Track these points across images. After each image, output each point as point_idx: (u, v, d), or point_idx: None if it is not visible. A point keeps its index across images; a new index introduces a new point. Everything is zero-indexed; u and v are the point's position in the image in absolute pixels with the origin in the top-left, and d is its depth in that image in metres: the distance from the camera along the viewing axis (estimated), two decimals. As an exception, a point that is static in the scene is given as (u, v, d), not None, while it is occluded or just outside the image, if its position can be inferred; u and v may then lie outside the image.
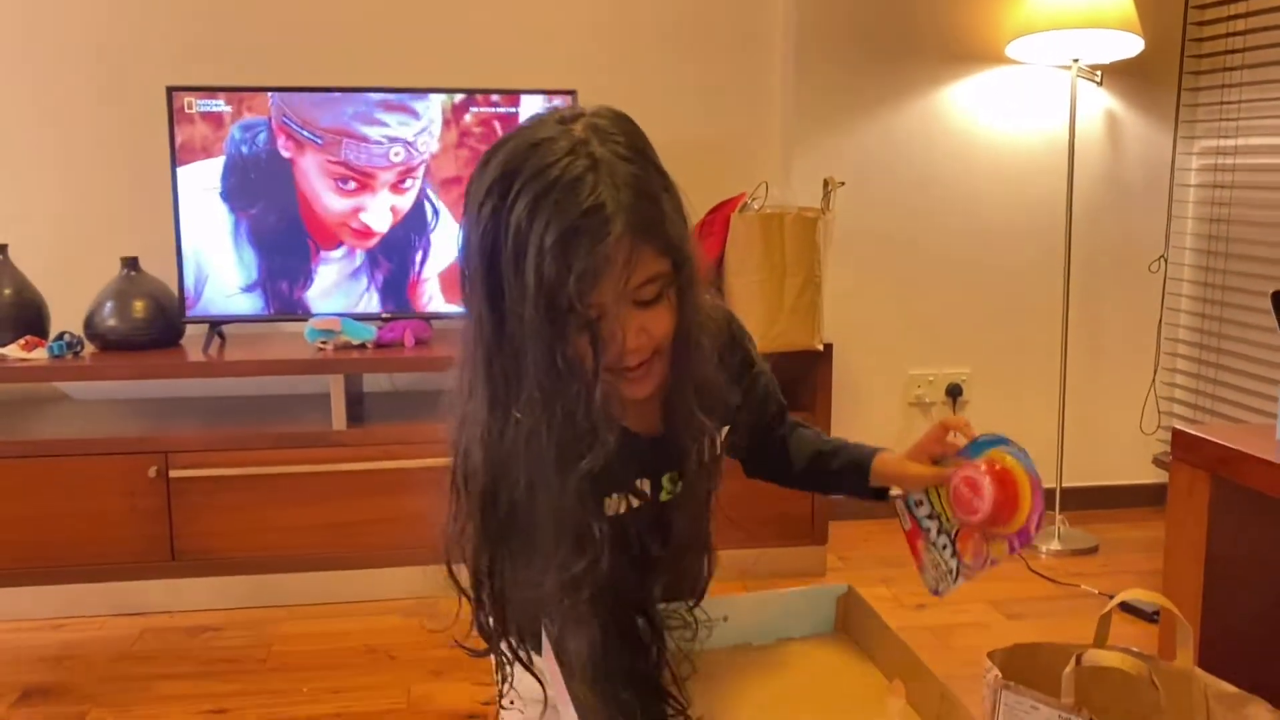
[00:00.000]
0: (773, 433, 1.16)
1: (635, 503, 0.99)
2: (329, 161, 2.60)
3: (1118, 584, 2.62)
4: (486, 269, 0.85)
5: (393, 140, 2.62)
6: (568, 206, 0.80)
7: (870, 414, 3.11)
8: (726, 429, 1.05)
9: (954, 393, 3.13)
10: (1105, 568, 2.79)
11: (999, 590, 2.62)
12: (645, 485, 0.99)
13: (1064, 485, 2.98)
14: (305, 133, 2.58)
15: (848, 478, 1.10)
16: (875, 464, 1.08)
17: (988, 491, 0.90)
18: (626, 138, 0.87)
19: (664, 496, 1.00)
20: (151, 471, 2.41)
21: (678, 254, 0.88)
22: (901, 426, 3.14)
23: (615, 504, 0.98)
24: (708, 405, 0.97)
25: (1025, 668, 1.04)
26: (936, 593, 0.96)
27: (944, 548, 0.96)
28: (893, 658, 0.87)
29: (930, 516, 0.98)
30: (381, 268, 2.67)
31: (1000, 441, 0.95)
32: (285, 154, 2.59)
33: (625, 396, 0.92)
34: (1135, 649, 1.06)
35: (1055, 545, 2.89)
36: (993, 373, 3.15)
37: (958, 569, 0.94)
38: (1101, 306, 3.16)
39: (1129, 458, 3.23)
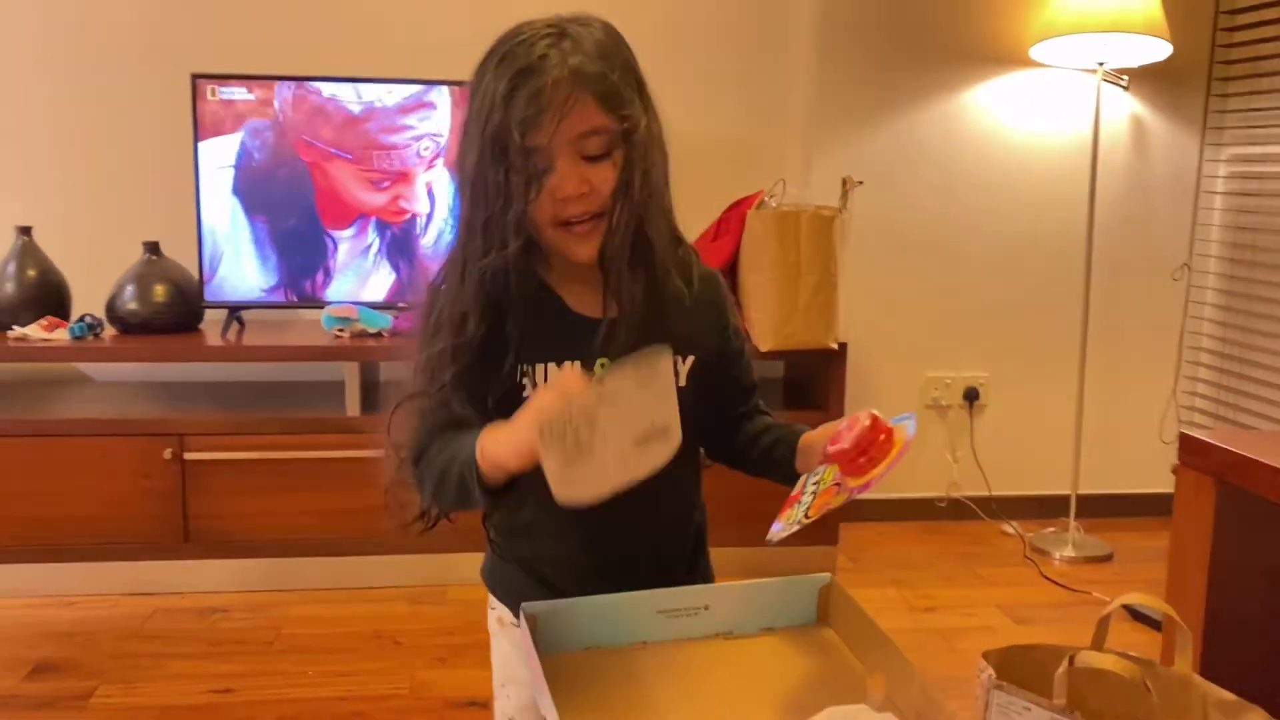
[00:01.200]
0: (734, 406, 1.14)
1: None
2: (362, 170, 2.63)
3: (1129, 591, 2.59)
4: (463, 133, 0.96)
5: (418, 138, 2.64)
6: (521, 57, 0.91)
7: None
8: (691, 359, 1.05)
9: (971, 396, 3.11)
10: (1119, 576, 2.76)
11: (1009, 595, 2.60)
12: (575, 366, 1.00)
13: (1080, 492, 2.96)
14: (334, 150, 2.61)
15: (786, 464, 1.07)
16: (800, 444, 1.06)
17: (860, 426, 0.91)
18: (605, 29, 0.97)
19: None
20: (167, 453, 2.43)
21: (621, 112, 0.95)
22: (917, 430, 3.12)
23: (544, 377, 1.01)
24: (661, 306, 1.01)
25: (1021, 669, 1.03)
26: (768, 539, 0.92)
27: (804, 505, 0.92)
28: (874, 651, 0.87)
29: (814, 483, 0.95)
30: (402, 250, 2.69)
31: (906, 418, 0.95)
32: (305, 160, 2.62)
33: (569, 254, 0.98)
34: (1133, 654, 1.05)
35: (1069, 552, 2.87)
36: (1011, 377, 3.13)
37: (801, 518, 0.90)
38: (1123, 313, 3.13)
39: (1147, 466, 3.20)
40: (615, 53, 0.97)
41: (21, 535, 2.44)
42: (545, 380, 1.01)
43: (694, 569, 1.14)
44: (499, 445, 0.88)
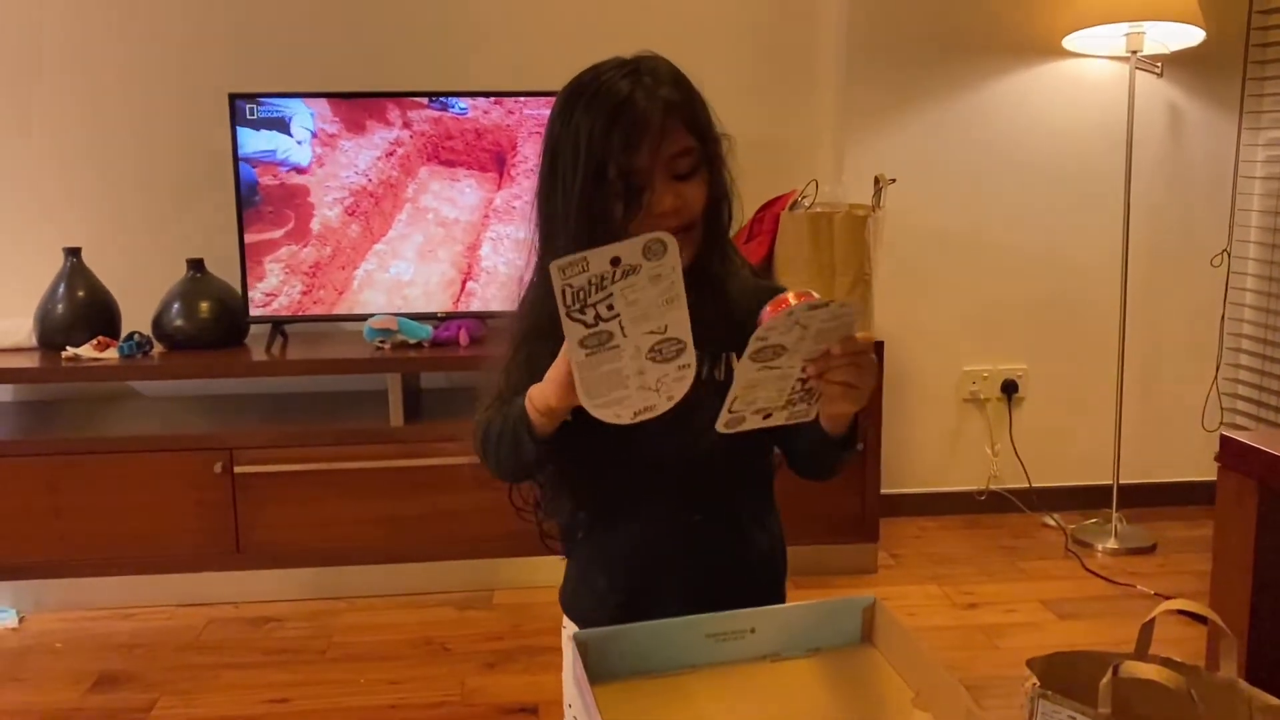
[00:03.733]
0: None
1: None
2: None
3: (1174, 585, 2.58)
4: (550, 167, 1.06)
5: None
6: (611, 97, 1.02)
7: (923, 411, 3.10)
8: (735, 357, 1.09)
9: (1009, 389, 3.11)
10: (1163, 568, 2.75)
11: (1052, 589, 2.60)
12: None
13: (1121, 482, 2.94)
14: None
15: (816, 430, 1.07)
16: None
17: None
18: (670, 66, 1.08)
19: None
20: (217, 467, 2.49)
21: (705, 135, 1.06)
22: (955, 424, 3.13)
23: None
24: (728, 311, 1.08)
25: (1065, 676, 1.04)
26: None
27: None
28: (919, 672, 0.89)
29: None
30: (448, 265, 2.73)
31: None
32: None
33: None
34: (1178, 659, 1.06)
35: (1111, 543, 2.86)
36: (1050, 369, 3.12)
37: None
38: (1162, 301, 3.11)
39: (1190, 455, 3.18)
40: (688, 82, 1.08)
41: (80, 549, 2.50)
42: None
43: (770, 601, 1.17)
44: (542, 385, 0.99)
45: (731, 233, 1.17)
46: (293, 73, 2.82)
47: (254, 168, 2.64)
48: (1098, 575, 2.68)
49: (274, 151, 2.64)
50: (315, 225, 2.67)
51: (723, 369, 1.11)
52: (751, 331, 0.95)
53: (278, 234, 2.66)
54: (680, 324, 0.88)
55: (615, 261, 0.83)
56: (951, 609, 2.52)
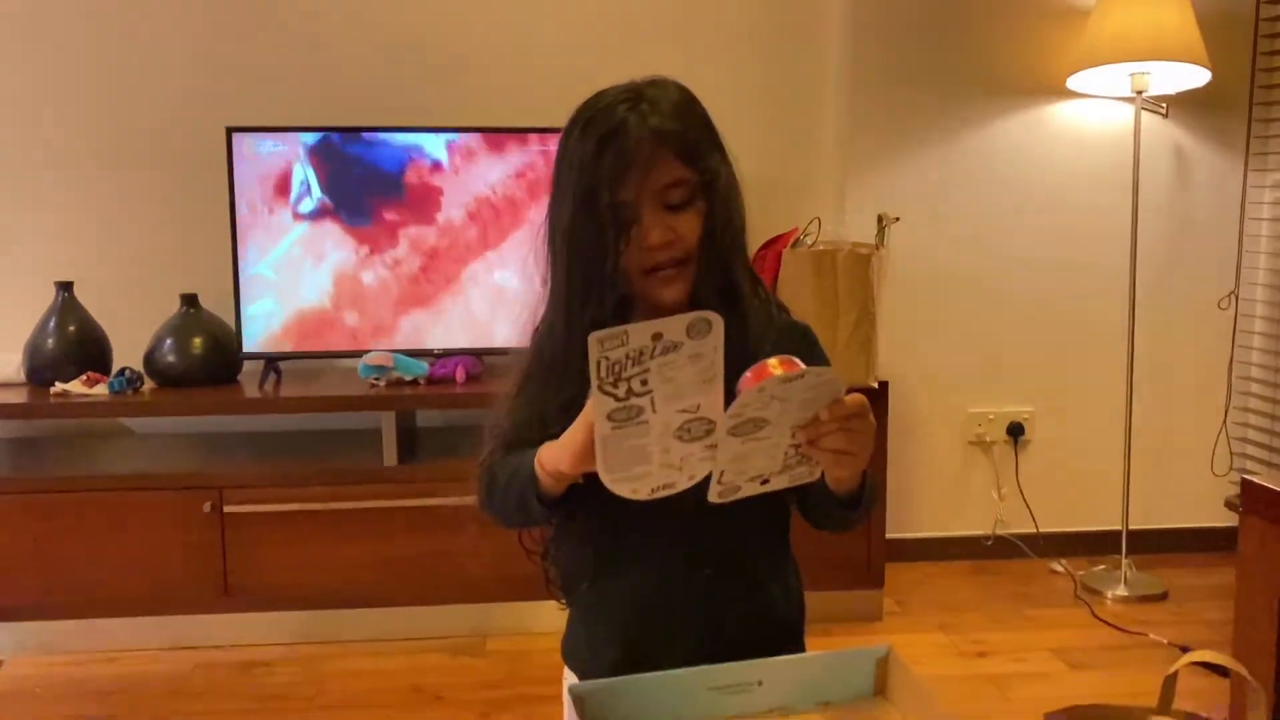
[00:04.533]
0: None
1: None
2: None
3: (1188, 633, 2.51)
4: (554, 193, 1.05)
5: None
6: (605, 122, 1.00)
7: (928, 454, 3.04)
8: None
9: (1015, 432, 3.05)
10: (1175, 616, 2.68)
11: (1062, 638, 2.53)
12: None
13: (1131, 527, 2.88)
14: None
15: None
16: None
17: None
18: (678, 87, 1.05)
19: None
20: (206, 506, 2.43)
21: (700, 164, 1.02)
22: (961, 467, 3.07)
23: None
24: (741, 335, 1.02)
25: (1086, 733, 0.98)
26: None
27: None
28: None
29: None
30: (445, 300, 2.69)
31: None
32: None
33: (657, 299, 1.04)
34: (1202, 714, 1.00)
35: (1122, 591, 2.79)
36: (1056, 411, 3.07)
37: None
38: (1169, 344, 3.06)
39: (1199, 500, 3.12)
40: (690, 110, 1.05)
41: (63, 591, 2.44)
42: None
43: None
44: (554, 448, 0.96)
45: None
46: (290, 106, 2.80)
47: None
48: (1108, 624, 2.61)
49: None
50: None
51: None
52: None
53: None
54: (714, 405, 0.84)
55: (657, 337, 0.80)
56: (959, 658, 2.44)
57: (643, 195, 1.00)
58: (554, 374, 1.05)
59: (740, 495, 0.89)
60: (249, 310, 2.64)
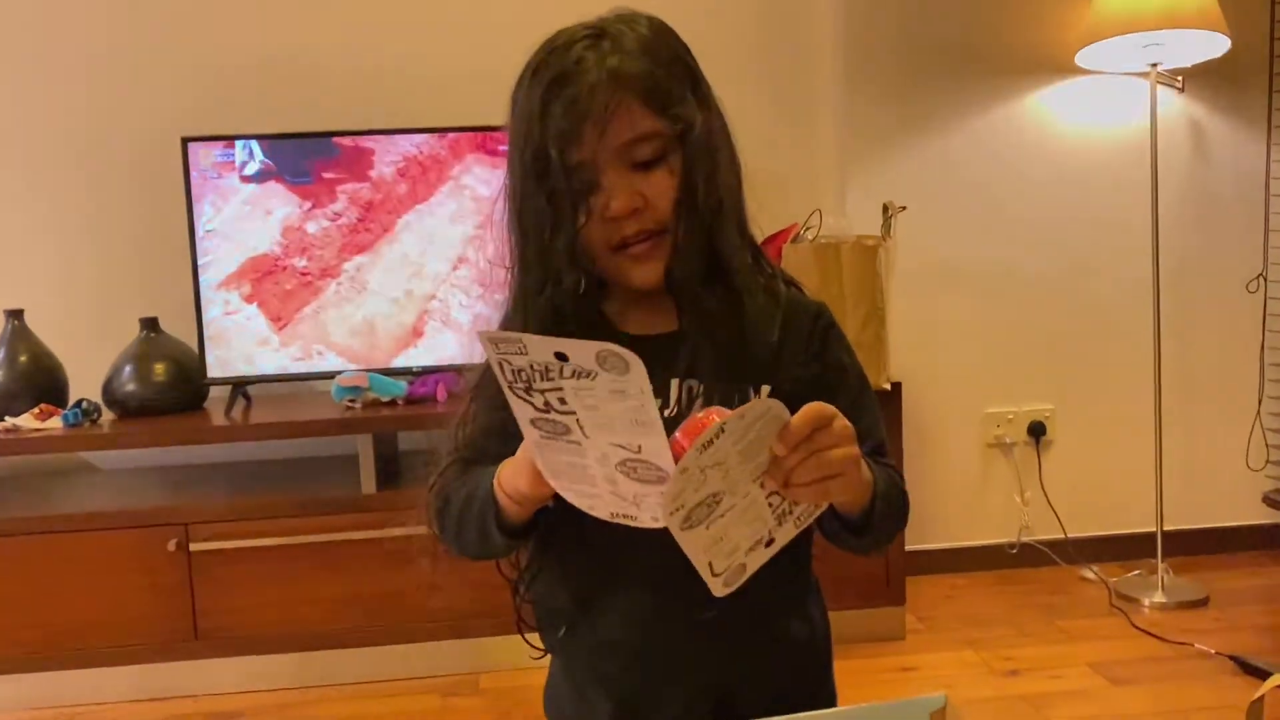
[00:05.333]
0: None
1: None
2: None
3: (1236, 641, 2.33)
4: (507, 156, 0.88)
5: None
6: (555, 64, 0.82)
7: (945, 457, 2.86)
8: (767, 389, 0.88)
9: (1037, 431, 2.87)
10: (1219, 622, 2.49)
11: (1100, 651, 2.34)
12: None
13: (1165, 529, 2.69)
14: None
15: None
16: None
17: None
18: (651, 22, 0.87)
19: (662, 410, 0.83)
20: (171, 545, 2.25)
21: (675, 115, 0.84)
22: (980, 471, 2.89)
23: None
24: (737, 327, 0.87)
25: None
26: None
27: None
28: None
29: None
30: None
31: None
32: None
33: (627, 280, 0.88)
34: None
35: (1159, 597, 2.60)
36: (1079, 408, 2.89)
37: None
38: (1196, 331, 2.89)
39: (1236, 497, 2.94)
40: (661, 47, 0.86)
41: (15, 642, 2.25)
42: None
43: (816, 696, 0.95)
44: (512, 464, 0.80)
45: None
46: (246, 113, 2.64)
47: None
48: (1148, 633, 2.42)
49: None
50: (278, 277, 2.47)
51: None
52: (775, 364, 0.83)
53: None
54: (660, 453, 0.66)
55: (561, 356, 0.64)
56: (991, 677, 2.26)
57: (602, 153, 0.82)
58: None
59: (749, 573, 0.73)
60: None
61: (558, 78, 0.81)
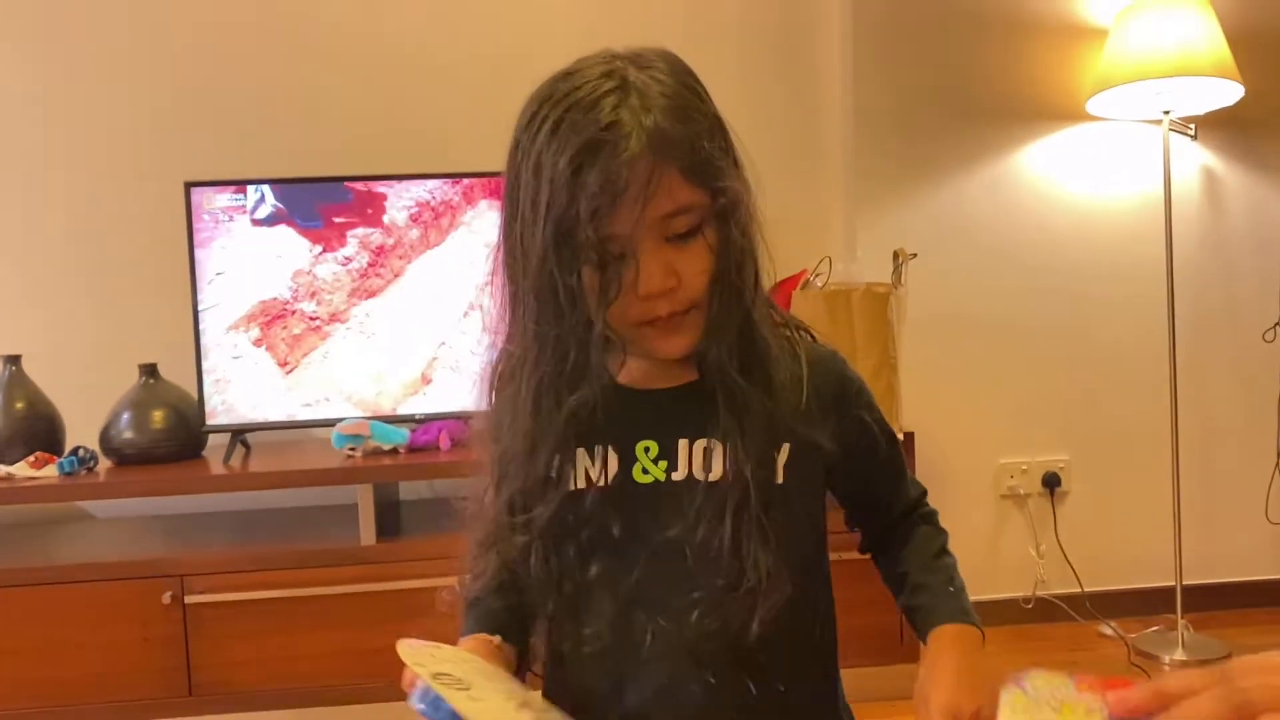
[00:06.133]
0: (879, 508, 0.99)
1: (612, 478, 0.84)
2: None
3: (1263, 701, 2.25)
4: (512, 204, 0.80)
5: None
6: (584, 125, 0.74)
7: (959, 508, 2.80)
8: (787, 447, 0.84)
9: (1051, 483, 2.81)
10: (1243, 681, 2.41)
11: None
12: (649, 451, 0.84)
13: (1185, 584, 2.62)
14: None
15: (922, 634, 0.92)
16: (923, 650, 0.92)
17: None
18: (669, 65, 0.80)
19: (668, 474, 0.83)
20: (166, 597, 2.19)
21: (714, 184, 0.78)
22: (994, 522, 2.83)
23: (592, 467, 0.84)
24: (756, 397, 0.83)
25: None
26: None
27: None
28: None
29: None
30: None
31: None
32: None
33: (653, 352, 0.83)
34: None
35: (1180, 654, 2.53)
36: (1095, 459, 2.83)
37: None
38: (1213, 381, 2.84)
39: (1256, 550, 2.87)
40: (690, 100, 0.79)
41: (4, 698, 2.18)
42: (591, 469, 0.83)
43: None
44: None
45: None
46: (256, 157, 2.63)
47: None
48: (1171, 693, 2.35)
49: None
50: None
51: (780, 470, 0.84)
52: (797, 424, 0.82)
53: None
54: None
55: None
56: (1009, 739, 2.18)
57: (639, 228, 0.75)
58: (518, 473, 0.84)
59: None
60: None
61: (592, 142, 0.74)
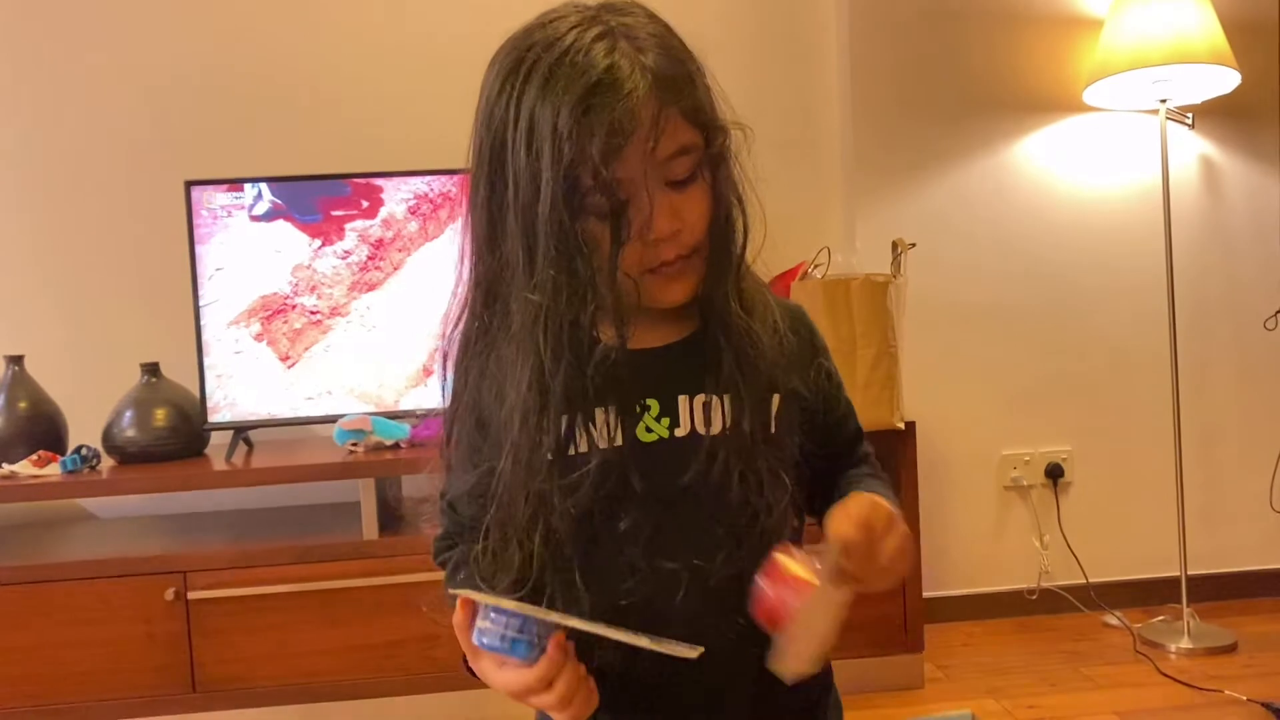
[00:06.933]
0: (833, 461, 0.94)
1: (617, 438, 0.82)
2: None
3: (1269, 688, 2.24)
4: (496, 165, 0.78)
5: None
6: (582, 73, 0.73)
7: (961, 500, 2.80)
8: (777, 398, 0.85)
9: (1054, 473, 2.81)
10: (1249, 669, 2.41)
11: (1127, 699, 2.26)
12: (650, 409, 0.84)
13: (1189, 573, 2.62)
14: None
15: None
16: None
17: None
18: (645, 12, 0.80)
19: (670, 431, 0.84)
20: (169, 593, 2.19)
21: (709, 123, 0.78)
22: (997, 514, 2.82)
23: (596, 430, 0.82)
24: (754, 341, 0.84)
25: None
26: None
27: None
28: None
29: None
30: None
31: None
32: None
33: (658, 299, 0.82)
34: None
35: (1186, 643, 2.52)
36: (1097, 449, 2.83)
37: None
38: (1213, 369, 2.83)
39: (1261, 539, 2.86)
40: (679, 45, 0.80)
41: (7, 695, 2.19)
42: (595, 431, 0.82)
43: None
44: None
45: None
46: (255, 154, 2.64)
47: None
48: (1177, 680, 2.34)
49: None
50: (281, 320, 2.44)
51: (774, 419, 0.85)
52: (781, 373, 0.83)
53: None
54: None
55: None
56: (1015, 727, 2.18)
57: (648, 170, 0.75)
58: (488, 422, 0.84)
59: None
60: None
61: (594, 88, 0.72)
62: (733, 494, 0.81)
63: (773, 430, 0.85)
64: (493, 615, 0.74)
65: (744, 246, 0.84)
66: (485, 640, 0.75)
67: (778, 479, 0.82)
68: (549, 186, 0.74)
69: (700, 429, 0.83)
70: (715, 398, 0.83)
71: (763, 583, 0.73)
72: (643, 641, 0.73)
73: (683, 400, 0.83)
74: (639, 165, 0.75)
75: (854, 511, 0.72)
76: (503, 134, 0.77)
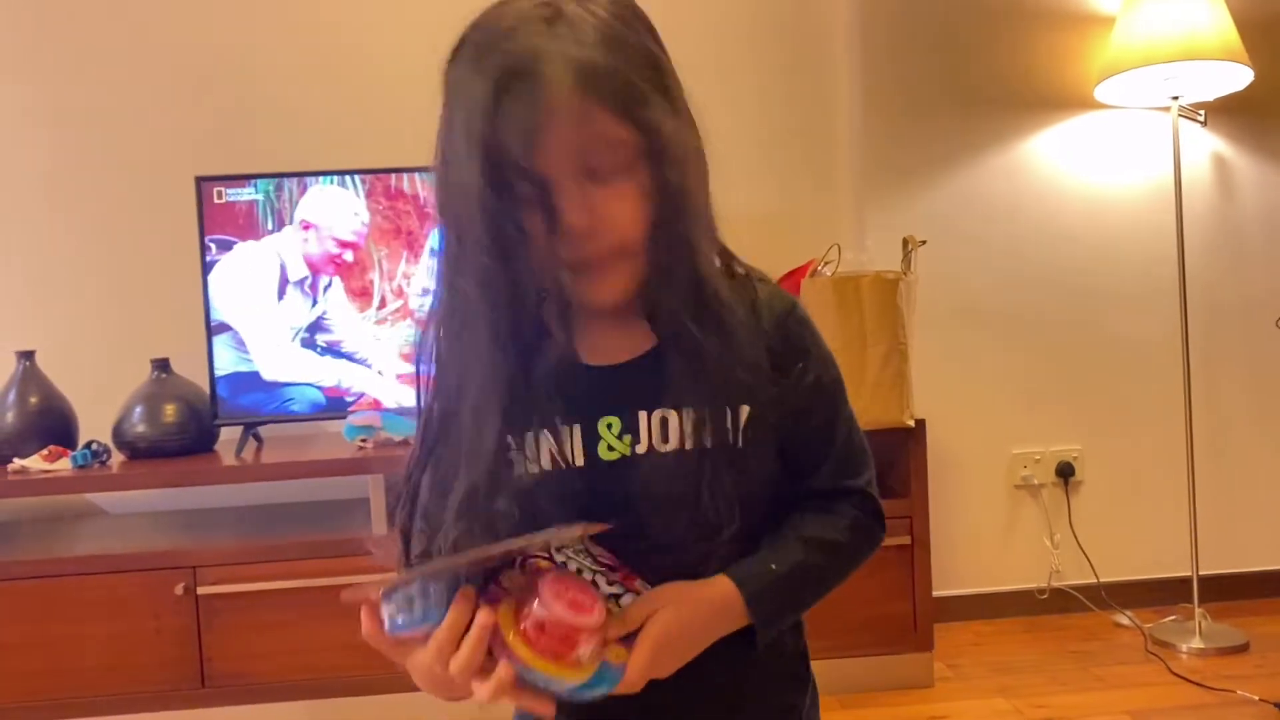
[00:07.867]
0: (804, 476, 0.88)
1: (579, 458, 0.81)
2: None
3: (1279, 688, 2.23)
4: (444, 138, 0.77)
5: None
6: (507, 55, 0.71)
7: (971, 499, 2.79)
8: (746, 411, 0.82)
9: (1065, 472, 2.80)
10: (1261, 669, 2.40)
11: (1138, 698, 2.25)
12: (612, 427, 0.81)
13: (1201, 573, 2.60)
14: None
15: None
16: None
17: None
18: (605, 8, 0.75)
19: (632, 448, 0.81)
20: (178, 588, 2.20)
21: (645, 123, 0.74)
22: (1007, 512, 2.81)
23: (548, 450, 0.80)
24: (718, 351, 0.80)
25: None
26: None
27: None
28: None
29: None
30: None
31: None
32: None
33: (584, 300, 0.79)
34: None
35: (1197, 643, 2.51)
36: (1108, 448, 2.81)
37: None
38: (1226, 368, 2.82)
39: (1273, 538, 2.85)
40: (627, 37, 0.75)
41: (18, 689, 2.19)
42: (543, 453, 0.80)
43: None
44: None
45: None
46: (263, 150, 2.64)
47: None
48: (1189, 680, 2.33)
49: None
50: (291, 316, 2.44)
51: (733, 430, 0.81)
52: (757, 382, 0.82)
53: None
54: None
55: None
56: (1025, 726, 2.17)
57: (559, 162, 0.73)
58: (467, 432, 0.80)
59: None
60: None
61: (512, 70, 0.71)
62: (682, 514, 0.79)
63: (739, 444, 0.81)
64: (393, 596, 0.72)
65: (694, 255, 0.79)
66: (400, 622, 0.72)
67: (730, 499, 0.79)
68: (471, 162, 0.73)
69: (658, 446, 0.81)
70: (672, 413, 0.80)
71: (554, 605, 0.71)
72: (540, 539, 0.71)
73: (643, 416, 0.81)
74: (558, 154, 0.73)
75: (659, 633, 0.75)
76: (449, 108, 0.77)
